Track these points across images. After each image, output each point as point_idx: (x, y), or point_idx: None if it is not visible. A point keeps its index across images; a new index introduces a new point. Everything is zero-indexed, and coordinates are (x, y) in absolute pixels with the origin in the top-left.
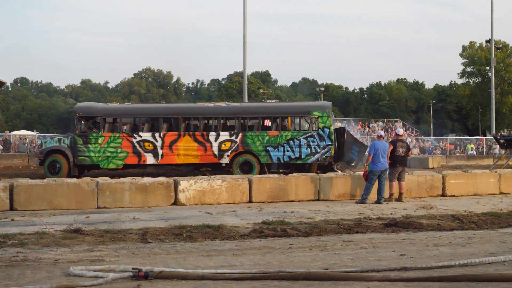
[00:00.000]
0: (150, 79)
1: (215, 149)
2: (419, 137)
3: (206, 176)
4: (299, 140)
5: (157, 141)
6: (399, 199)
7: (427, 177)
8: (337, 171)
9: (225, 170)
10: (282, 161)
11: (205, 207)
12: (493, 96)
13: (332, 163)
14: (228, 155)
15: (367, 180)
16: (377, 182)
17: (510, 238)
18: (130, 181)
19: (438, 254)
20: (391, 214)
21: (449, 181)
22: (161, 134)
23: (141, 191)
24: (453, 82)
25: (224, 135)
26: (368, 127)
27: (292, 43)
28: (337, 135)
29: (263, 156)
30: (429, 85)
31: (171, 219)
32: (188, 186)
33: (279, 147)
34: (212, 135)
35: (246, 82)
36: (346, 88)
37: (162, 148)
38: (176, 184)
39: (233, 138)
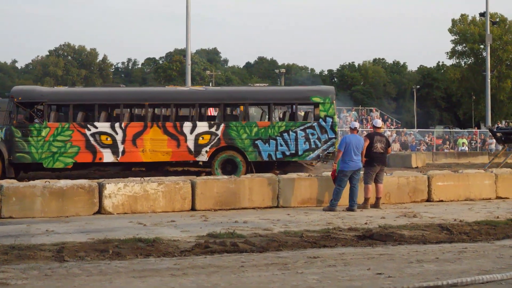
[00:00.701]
0: (69, 57)
1: (190, 144)
2: (400, 129)
3: (138, 178)
4: (296, 132)
5: (117, 133)
6: (375, 205)
7: (410, 179)
8: (301, 170)
9: (203, 170)
10: (274, 158)
11: (137, 216)
12: (489, 81)
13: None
14: (206, 151)
15: (336, 182)
16: (348, 185)
17: (508, 251)
18: (43, 185)
19: (422, 272)
20: (365, 223)
21: (436, 183)
22: (122, 125)
23: (56, 196)
24: (440, 64)
25: (202, 126)
26: (339, 117)
27: (245, 15)
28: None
29: (250, 152)
30: (412, 66)
31: (94, 231)
32: (116, 191)
33: (271, 141)
34: (186, 126)
35: (189, 61)
36: (312, 70)
37: (123, 142)
38: (101, 188)
39: (213, 129)
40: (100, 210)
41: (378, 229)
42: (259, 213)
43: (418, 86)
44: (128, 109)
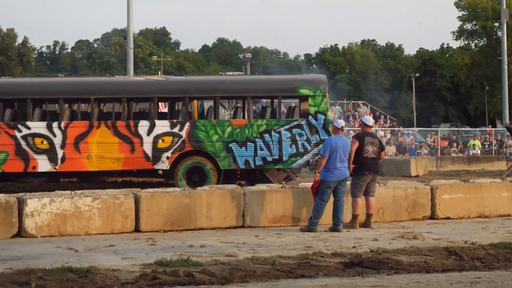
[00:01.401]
0: None
1: (147, 148)
2: (396, 128)
3: (67, 192)
4: (279, 132)
5: (55, 135)
6: (366, 223)
7: (409, 191)
8: (271, 181)
9: (164, 180)
10: (252, 165)
11: (67, 239)
12: (505, 67)
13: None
14: (168, 157)
15: (317, 195)
16: (332, 199)
17: None
18: None
19: None
20: (354, 247)
21: (441, 196)
22: (62, 125)
23: None
24: (445, 46)
25: (162, 126)
26: None
27: None
28: None
29: (222, 158)
30: (410, 50)
31: (12, 259)
32: (40, 208)
33: (248, 143)
34: (142, 125)
35: (131, 45)
36: (285, 54)
37: (63, 146)
38: (21, 204)
39: (176, 130)
40: (20, 232)
41: (369, 254)
42: (220, 234)
43: (418, 74)
44: (69, 105)
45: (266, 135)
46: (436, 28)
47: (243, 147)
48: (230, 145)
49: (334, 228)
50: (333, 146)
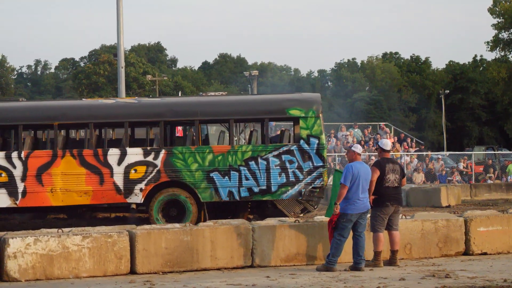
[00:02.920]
0: None
1: (118, 179)
2: (424, 153)
3: (54, 230)
4: (267, 159)
5: (14, 166)
6: (391, 261)
7: (439, 223)
8: (284, 214)
9: (139, 215)
10: (237, 197)
11: (55, 284)
12: None
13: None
14: (141, 190)
15: (335, 230)
16: (351, 234)
17: None
18: None
19: None
20: None
21: (477, 229)
22: (22, 155)
23: None
24: (478, 58)
25: (134, 154)
26: (335, 136)
27: None
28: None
29: (203, 190)
30: (439, 63)
31: None
32: (24, 248)
33: (232, 172)
34: (112, 154)
35: (122, 63)
36: (296, 70)
37: (23, 179)
38: (2, 244)
39: (150, 158)
40: (2, 276)
41: None
42: (226, 275)
43: (448, 91)
44: (31, 132)
45: (252, 163)
46: (467, 38)
47: (226, 177)
48: (211, 175)
49: (355, 267)
50: (355, 174)
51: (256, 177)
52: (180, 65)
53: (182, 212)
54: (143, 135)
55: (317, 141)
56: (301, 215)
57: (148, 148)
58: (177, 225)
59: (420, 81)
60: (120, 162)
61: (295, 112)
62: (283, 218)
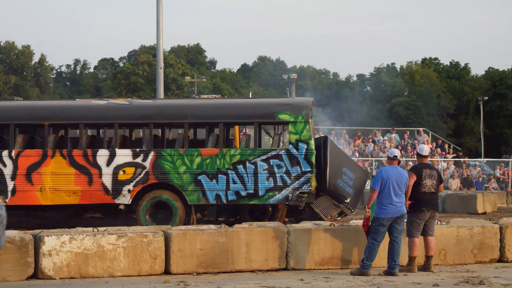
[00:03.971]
0: None
1: (107, 180)
2: (461, 159)
3: (90, 229)
4: (255, 163)
5: (5, 165)
6: (425, 267)
7: (475, 230)
8: (320, 217)
9: (125, 216)
10: (224, 200)
11: (89, 282)
12: None
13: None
14: (129, 191)
15: (369, 234)
16: (387, 239)
17: None
18: None
19: None
20: None
21: None
22: (13, 154)
23: None
24: None
25: (123, 156)
26: (373, 141)
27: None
28: (317, 151)
29: (190, 192)
30: (478, 70)
31: None
32: (59, 246)
33: (220, 176)
34: (102, 155)
35: (161, 64)
36: (335, 74)
37: (13, 177)
38: (38, 242)
39: (139, 160)
40: (37, 274)
41: None
42: (260, 278)
43: (486, 98)
44: (21, 131)
45: (240, 166)
46: (508, 44)
47: (214, 180)
48: (199, 178)
49: (390, 272)
50: (385, 177)
51: (243, 181)
52: (219, 67)
53: (170, 214)
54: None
55: (305, 146)
56: (338, 218)
57: (137, 149)
58: (212, 226)
59: (459, 87)
60: (109, 163)
61: (284, 117)
62: (319, 222)
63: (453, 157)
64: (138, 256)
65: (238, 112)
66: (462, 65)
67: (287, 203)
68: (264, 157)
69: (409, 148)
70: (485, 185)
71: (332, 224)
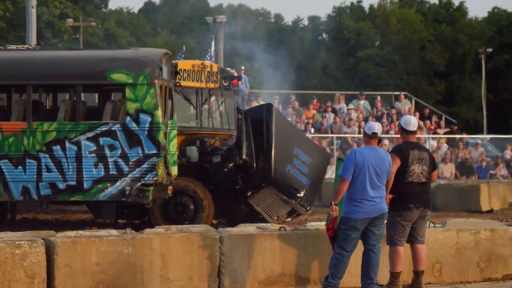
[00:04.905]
0: None
1: None
2: (457, 136)
3: None
4: (78, 143)
5: None
6: (415, 285)
7: (481, 235)
8: (263, 218)
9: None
10: (35, 195)
11: None
12: None
13: (249, 196)
14: None
15: (335, 241)
16: (360, 247)
17: None
18: None
19: None
20: None
21: None
22: None
23: None
24: None
25: None
26: (333, 110)
27: None
28: (256, 125)
29: None
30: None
31: None
32: None
33: (28, 161)
34: None
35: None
36: (279, 16)
37: None
38: None
39: None
40: None
41: None
42: None
43: (490, 50)
44: None
45: (57, 148)
46: None
47: (20, 167)
48: None
49: None
50: (359, 162)
51: (62, 168)
52: (112, 5)
53: None
54: None
55: (149, 119)
56: (288, 220)
57: None
58: (114, 231)
59: (452, 35)
60: None
61: (119, 77)
62: (263, 225)
63: (445, 133)
64: (9, 275)
65: (52, 70)
66: (456, 3)
67: (123, 199)
68: (90, 134)
69: (385, 120)
70: (491, 171)
71: (282, 228)
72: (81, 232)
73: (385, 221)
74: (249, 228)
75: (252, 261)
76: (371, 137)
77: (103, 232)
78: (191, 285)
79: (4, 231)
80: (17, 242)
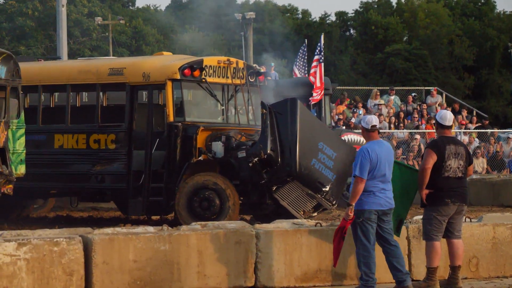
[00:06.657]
0: None
1: None
2: (489, 130)
3: None
4: None
5: None
6: (451, 281)
7: None
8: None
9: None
10: None
11: None
12: None
13: (274, 191)
14: None
15: (356, 238)
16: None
17: None
18: None
19: None
20: None
21: None
22: None
23: None
24: None
25: None
26: (364, 106)
27: None
28: (280, 119)
29: None
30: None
31: None
32: None
33: None
34: None
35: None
36: (306, 13)
37: None
38: None
39: None
40: None
41: None
42: None
43: None
44: None
45: None
46: None
47: None
48: None
49: (401, 286)
50: (373, 159)
51: None
52: (140, 3)
53: None
54: None
55: None
56: (314, 214)
57: None
58: (150, 228)
59: (480, 29)
60: None
61: None
62: (299, 220)
63: (476, 128)
64: (47, 271)
65: None
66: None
67: None
68: None
69: (416, 115)
70: None
71: (318, 223)
72: (118, 229)
73: (419, 217)
74: (285, 224)
75: (289, 257)
76: (371, 131)
77: (139, 229)
78: (228, 281)
79: (40, 229)
80: (55, 240)
